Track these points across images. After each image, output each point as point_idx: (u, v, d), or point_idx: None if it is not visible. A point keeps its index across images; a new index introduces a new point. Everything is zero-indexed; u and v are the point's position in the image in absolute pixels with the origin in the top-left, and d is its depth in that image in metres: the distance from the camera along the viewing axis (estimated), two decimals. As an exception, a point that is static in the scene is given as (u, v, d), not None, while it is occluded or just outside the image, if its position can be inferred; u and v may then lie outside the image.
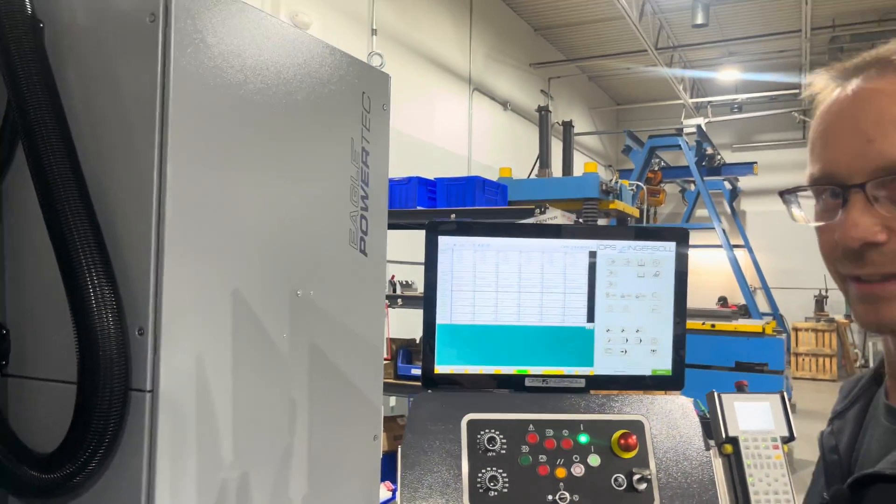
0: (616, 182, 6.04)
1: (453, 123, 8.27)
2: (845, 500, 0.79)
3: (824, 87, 0.80)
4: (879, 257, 0.70)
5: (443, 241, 1.34)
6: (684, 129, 9.24)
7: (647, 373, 1.44)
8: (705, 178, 9.62)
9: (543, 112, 7.20)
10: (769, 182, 13.05)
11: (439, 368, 1.32)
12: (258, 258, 1.56)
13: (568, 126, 7.81)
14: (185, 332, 1.42)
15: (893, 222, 0.70)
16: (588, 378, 1.38)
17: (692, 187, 12.40)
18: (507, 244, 1.37)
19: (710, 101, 12.93)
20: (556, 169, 8.61)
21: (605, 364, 1.41)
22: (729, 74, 11.94)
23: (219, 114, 1.49)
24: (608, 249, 1.40)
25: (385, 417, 2.60)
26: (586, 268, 1.40)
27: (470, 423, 1.25)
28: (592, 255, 1.38)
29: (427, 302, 1.31)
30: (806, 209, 0.82)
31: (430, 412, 1.25)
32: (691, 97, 12.36)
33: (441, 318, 1.33)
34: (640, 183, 8.34)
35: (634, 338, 1.45)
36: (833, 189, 0.74)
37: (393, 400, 6.15)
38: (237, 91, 1.52)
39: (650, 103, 13.94)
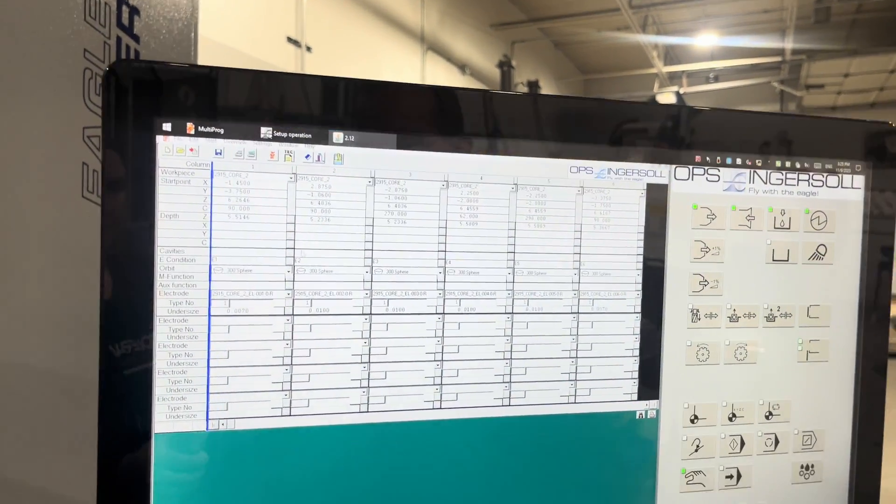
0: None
1: (405, 87, 7.29)
2: None
3: None
4: None
5: (183, 146, 0.41)
6: (659, 99, 8.40)
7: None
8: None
9: (506, 68, 6.27)
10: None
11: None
12: None
13: (534, 87, 6.92)
14: None
15: None
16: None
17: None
18: (406, 163, 0.44)
19: (684, 70, 12.15)
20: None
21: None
22: (706, 39, 11.13)
23: None
24: (700, 182, 0.47)
25: None
26: (638, 241, 0.47)
27: None
28: (660, 191, 0.45)
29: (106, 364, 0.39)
30: None
31: None
32: (664, 65, 11.55)
33: (163, 422, 0.40)
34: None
35: (762, 434, 0.53)
36: None
37: None
38: None
39: (620, 73, 13.14)
